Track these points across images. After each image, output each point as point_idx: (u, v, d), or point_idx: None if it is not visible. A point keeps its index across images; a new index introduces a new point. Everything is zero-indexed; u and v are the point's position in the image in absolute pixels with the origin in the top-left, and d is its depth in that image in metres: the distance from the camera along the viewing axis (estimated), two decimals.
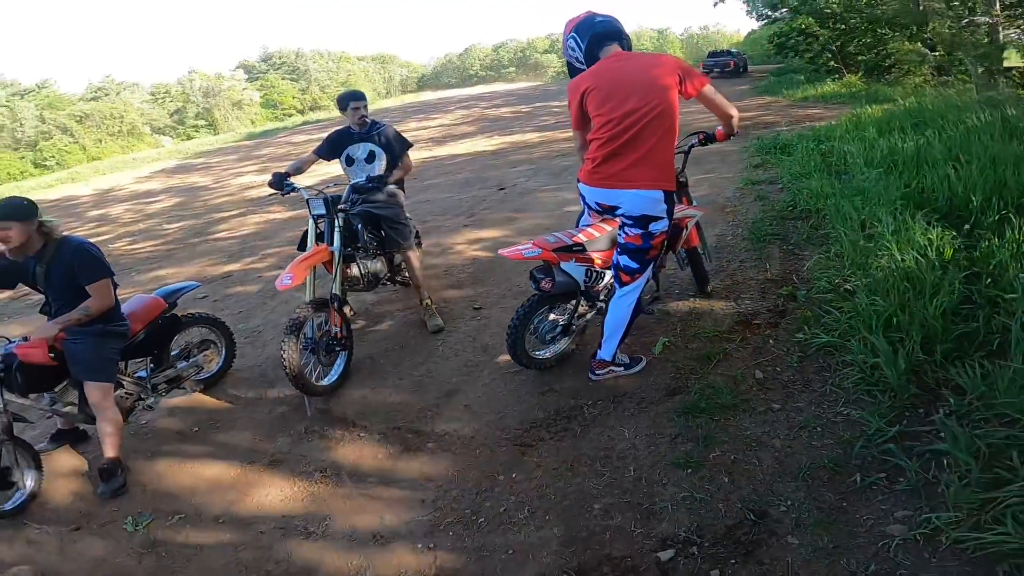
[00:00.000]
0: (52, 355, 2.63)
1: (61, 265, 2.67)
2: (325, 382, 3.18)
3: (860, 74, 16.83)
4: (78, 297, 2.68)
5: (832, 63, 18.54)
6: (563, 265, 2.71)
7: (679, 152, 2.97)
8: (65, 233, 2.73)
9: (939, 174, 3.99)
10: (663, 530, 1.95)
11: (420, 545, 2.11)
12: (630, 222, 2.55)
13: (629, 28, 3.18)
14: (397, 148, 3.89)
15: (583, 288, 2.82)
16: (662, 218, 2.53)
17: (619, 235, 2.65)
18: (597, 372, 2.87)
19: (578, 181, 2.70)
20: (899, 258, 2.90)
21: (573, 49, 2.63)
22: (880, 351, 2.31)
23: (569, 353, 3.07)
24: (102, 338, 2.75)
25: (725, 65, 25.82)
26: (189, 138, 42.31)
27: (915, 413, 2.15)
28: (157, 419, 3.21)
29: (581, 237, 2.71)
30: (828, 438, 2.18)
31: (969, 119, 5.43)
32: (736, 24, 73.94)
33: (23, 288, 2.89)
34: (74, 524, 2.51)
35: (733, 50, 30.95)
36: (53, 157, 37.39)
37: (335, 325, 3.23)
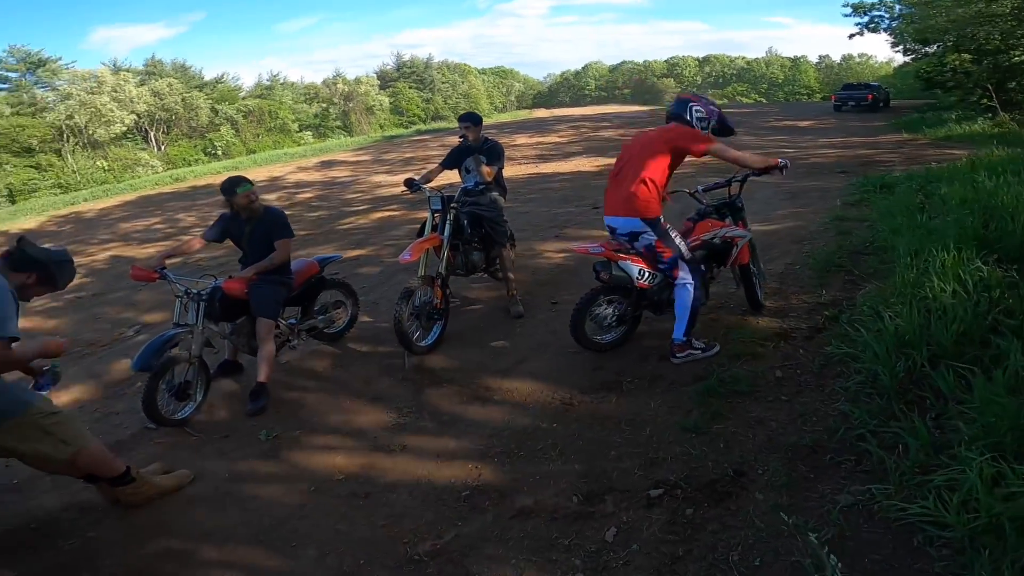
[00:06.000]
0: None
1: (263, 226, 3.68)
2: (423, 343, 3.95)
3: (1014, 114, 15.34)
4: (267, 253, 3.63)
5: (985, 101, 17.06)
6: (620, 263, 3.29)
7: (735, 181, 3.68)
8: (264, 204, 3.76)
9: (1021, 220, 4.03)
10: (659, 475, 2.45)
11: (471, 465, 2.74)
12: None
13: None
14: (491, 159, 4.56)
15: (635, 283, 3.35)
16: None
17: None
18: (678, 355, 3.37)
19: None
20: (939, 288, 3.14)
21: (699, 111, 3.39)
22: (881, 359, 2.65)
23: (623, 341, 3.61)
24: (276, 286, 3.70)
25: (861, 99, 24.36)
26: (327, 138, 45.98)
27: (903, 414, 2.45)
28: (296, 359, 4.13)
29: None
30: (819, 426, 2.57)
31: None
32: (887, 54, 68.42)
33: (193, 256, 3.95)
34: (224, 433, 3.30)
35: (874, 83, 29.02)
36: (220, 147, 41.70)
37: (437, 299, 4.01)
